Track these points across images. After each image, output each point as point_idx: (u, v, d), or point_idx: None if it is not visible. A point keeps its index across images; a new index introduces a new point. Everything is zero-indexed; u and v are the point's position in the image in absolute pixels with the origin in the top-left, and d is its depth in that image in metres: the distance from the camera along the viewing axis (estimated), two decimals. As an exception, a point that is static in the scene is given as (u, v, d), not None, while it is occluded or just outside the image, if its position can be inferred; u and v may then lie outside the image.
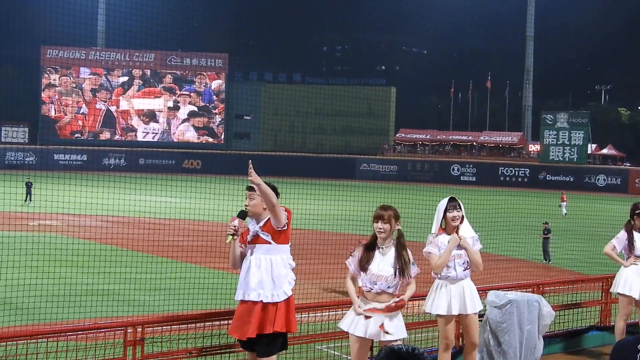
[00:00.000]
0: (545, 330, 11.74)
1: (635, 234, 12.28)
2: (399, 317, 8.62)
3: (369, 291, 8.48)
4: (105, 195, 40.25)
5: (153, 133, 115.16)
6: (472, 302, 9.88)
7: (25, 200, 52.92)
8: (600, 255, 14.06)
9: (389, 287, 8.43)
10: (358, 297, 8.51)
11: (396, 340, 8.42)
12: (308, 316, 10.73)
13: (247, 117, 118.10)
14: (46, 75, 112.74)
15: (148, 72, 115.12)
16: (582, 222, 50.04)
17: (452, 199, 9.91)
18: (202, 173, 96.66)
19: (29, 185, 53.95)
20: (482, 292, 11.99)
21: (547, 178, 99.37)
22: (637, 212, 12.37)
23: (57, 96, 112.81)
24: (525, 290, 12.57)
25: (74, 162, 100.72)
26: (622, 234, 12.34)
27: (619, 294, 12.33)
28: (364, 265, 8.44)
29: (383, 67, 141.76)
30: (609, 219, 53.67)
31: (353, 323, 8.46)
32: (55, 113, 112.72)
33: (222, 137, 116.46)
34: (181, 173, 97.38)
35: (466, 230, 9.94)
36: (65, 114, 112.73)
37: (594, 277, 14.53)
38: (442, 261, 9.72)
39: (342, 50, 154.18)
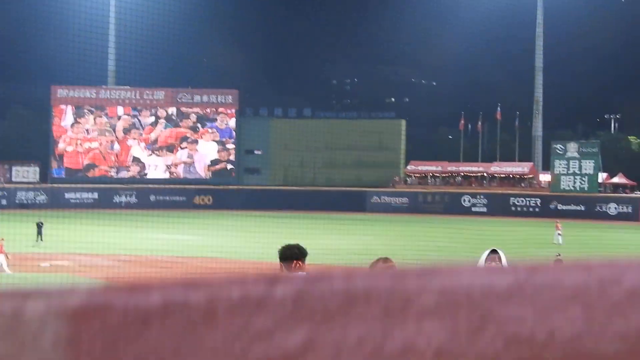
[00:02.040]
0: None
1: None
2: None
3: None
4: (116, 234, 40.34)
5: (173, 170, 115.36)
6: None
7: (37, 241, 52.98)
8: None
9: None
10: None
11: None
12: None
13: (258, 152, 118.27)
14: (83, 118, 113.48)
15: (174, 110, 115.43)
16: (592, 251, 49.91)
17: (493, 251, 9.87)
18: (214, 209, 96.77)
19: (39, 225, 54.04)
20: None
21: (559, 207, 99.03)
22: None
23: (82, 135, 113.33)
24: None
25: (85, 201, 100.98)
26: None
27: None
28: None
29: (392, 99, 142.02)
30: (620, 247, 53.63)
31: None
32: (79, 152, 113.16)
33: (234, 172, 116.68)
34: (192, 209, 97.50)
35: None
36: (94, 152, 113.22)
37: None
38: None
39: (352, 83, 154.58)
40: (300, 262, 8.35)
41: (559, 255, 34.16)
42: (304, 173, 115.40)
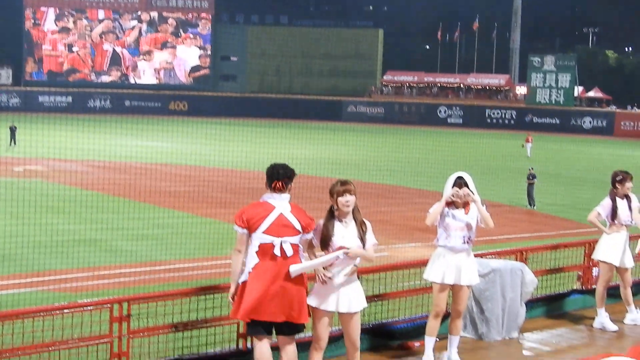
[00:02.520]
0: (528, 297, 11.83)
1: (619, 201, 12.24)
2: (359, 287, 8.59)
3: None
4: (90, 139, 40.03)
5: (155, 75, 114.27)
6: (468, 275, 9.89)
7: (10, 145, 52.58)
8: (585, 200, 14.07)
9: (357, 258, 8.49)
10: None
11: (356, 312, 8.45)
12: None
13: (234, 59, 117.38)
14: (63, 20, 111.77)
15: (155, 15, 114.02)
16: (567, 166, 50.23)
17: (459, 178, 9.89)
18: (189, 115, 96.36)
19: (12, 130, 53.55)
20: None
21: (534, 120, 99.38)
22: (617, 179, 12.30)
23: (58, 37, 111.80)
24: (508, 257, 12.58)
25: (59, 104, 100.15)
26: (607, 202, 12.29)
27: (600, 260, 12.35)
28: (328, 240, 8.34)
29: (370, 8, 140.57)
30: (594, 162, 53.97)
31: (323, 299, 8.41)
32: (52, 54, 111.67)
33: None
34: (167, 115, 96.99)
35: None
36: (71, 55, 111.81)
37: (577, 242, 14.55)
38: (433, 210, 9.77)
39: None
40: (280, 183, 8.23)
41: (532, 169, 34.34)
42: (280, 81, 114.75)
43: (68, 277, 17.49)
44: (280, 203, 8.19)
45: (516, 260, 12.35)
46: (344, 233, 8.35)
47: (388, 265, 11.68)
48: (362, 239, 8.42)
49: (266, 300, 8.00)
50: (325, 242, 8.33)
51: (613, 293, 13.01)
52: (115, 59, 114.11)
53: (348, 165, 42.76)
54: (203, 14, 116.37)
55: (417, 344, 10.62)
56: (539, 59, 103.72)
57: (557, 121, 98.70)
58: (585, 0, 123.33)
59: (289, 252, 8.07)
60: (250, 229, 8.09)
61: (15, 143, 52.00)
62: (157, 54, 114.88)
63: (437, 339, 10.17)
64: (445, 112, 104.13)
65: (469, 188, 9.85)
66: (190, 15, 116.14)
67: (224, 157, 37.15)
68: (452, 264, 9.83)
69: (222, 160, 37.52)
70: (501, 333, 11.24)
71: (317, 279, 8.38)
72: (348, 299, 8.40)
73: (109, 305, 8.76)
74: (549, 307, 12.93)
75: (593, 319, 12.37)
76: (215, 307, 9.50)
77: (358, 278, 8.63)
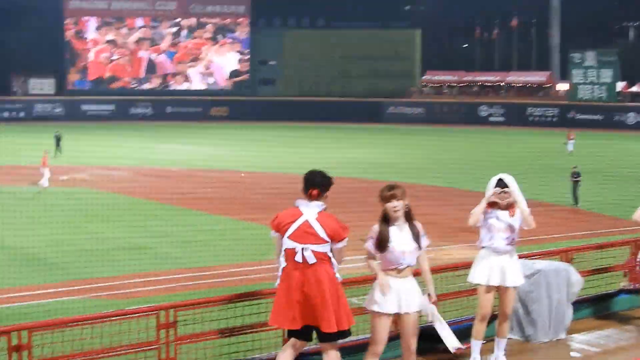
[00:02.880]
0: (575, 297, 11.69)
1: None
2: (417, 288, 8.69)
3: (395, 268, 8.52)
4: (133, 146, 40.39)
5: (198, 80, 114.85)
6: (512, 276, 9.88)
7: (55, 153, 53.14)
8: (631, 197, 13.99)
9: (413, 260, 8.57)
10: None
11: (414, 313, 8.59)
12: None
13: (272, 63, 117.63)
14: (103, 29, 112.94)
15: (193, 21, 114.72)
16: (611, 162, 49.76)
17: (500, 181, 9.91)
18: (230, 120, 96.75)
19: (58, 138, 54.15)
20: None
21: (576, 117, 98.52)
22: None
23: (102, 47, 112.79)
24: (553, 257, 12.50)
25: (102, 113, 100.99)
26: None
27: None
28: (385, 244, 8.43)
29: (407, 8, 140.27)
30: (636, 157, 53.42)
31: (385, 302, 8.49)
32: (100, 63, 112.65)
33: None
34: (209, 120, 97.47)
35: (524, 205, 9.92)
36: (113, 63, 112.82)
37: (622, 241, 14.40)
38: (475, 211, 9.77)
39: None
40: (316, 191, 8.28)
41: (576, 167, 34.12)
42: (319, 84, 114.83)
43: (115, 284, 17.69)
44: (309, 210, 8.20)
45: (561, 260, 12.27)
46: (400, 236, 8.46)
47: (432, 267, 11.67)
48: (418, 241, 8.55)
49: (287, 307, 8.11)
50: (382, 246, 8.43)
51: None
52: (154, 67, 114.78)
53: (390, 167, 42.75)
54: (240, 19, 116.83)
55: (463, 346, 10.62)
56: (580, 55, 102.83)
57: (600, 117, 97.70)
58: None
59: (311, 259, 8.07)
60: (280, 232, 8.20)
61: (60, 151, 52.56)
62: (196, 60, 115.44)
63: (484, 342, 10.17)
64: (486, 110, 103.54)
65: (509, 189, 9.85)
66: (227, 20, 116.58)
67: (266, 161, 37.32)
68: (496, 266, 9.83)
69: (265, 165, 37.70)
70: (548, 334, 11.17)
71: (378, 285, 8.51)
72: (406, 300, 8.52)
73: (155, 312, 8.88)
74: (597, 308, 12.81)
75: (642, 318, 12.20)
76: (261, 312, 9.60)
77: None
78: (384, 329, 8.52)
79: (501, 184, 9.85)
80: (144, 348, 8.82)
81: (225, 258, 20.74)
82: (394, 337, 10.22)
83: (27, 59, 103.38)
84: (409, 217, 8.58)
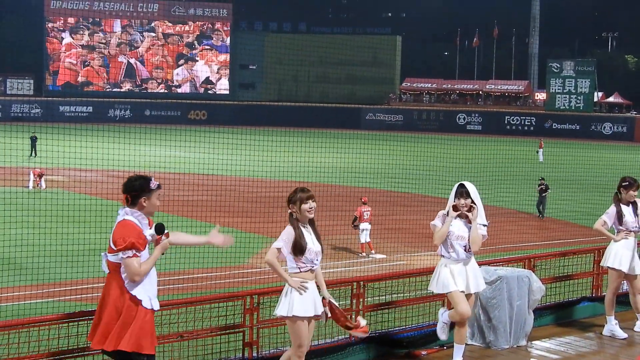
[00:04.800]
0: (536, 304, 11.85)
1: (624, 207, 12.23)
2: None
3: (309, 270, 8.63)
4: (110, 149, 40.20)
5: (171, 85, 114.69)
6: (475, 282, 10.01)
7: (30, 155, 53.01)
8: (599, 206, 14.16)
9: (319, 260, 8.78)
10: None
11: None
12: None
13: (252, 67, 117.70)
14: (80, 32, 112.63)
15: (173, 24, 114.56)
16: (583, 171, 50.03)
17: (461, 185, 9.99)
18: (208, 124, 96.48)
19: (33, 140, 54.04)
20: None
21: (554, 126, 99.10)
22: (623, 184, 12.29)
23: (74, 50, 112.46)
24: (516, 264, 12.65)
25: (80, 114, 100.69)
26: (612, 209, 12.28)
27: (609, 267, 12.32)
28: (303, 247, 8.55)
29: (389, 14, 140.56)
30: (612, 167, 53.72)
31: (308, 306, 8.55)
32: (73, 66, 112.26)
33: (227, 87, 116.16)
34: (187, 124, 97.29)
35: (479, 217, 9.98)
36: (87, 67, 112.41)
37: (585, 250, 14.57)
38: (440, 233, 9.84)
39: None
40: (124, 196, 7.87)
41: (543, 179, 34.29)
42: (298, 89, 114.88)
43: (86, 287, 17.69)
44: (118, 217, 7.80)
45: (524, 267, 12.42)
46: (311, 238, 8.59)
47: (394, 273, 11.80)
48: (320, 242, 8.68)
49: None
50: (301, 250, 8.49)
51: (623, 300, 13.01)
52: (131, 70, 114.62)
53: (366, 174, 42.85)
54: (221, 22, 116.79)
55: (424, 352, 10.74)
56: (558, 65, 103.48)
57: (577, 127, 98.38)
58: (604, 5, 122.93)
59: (105, 268, 7.71)
60: None
61: (35, 153, 52.42)
62: (175, 63, 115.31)
63: (445, 347, 10.30)
64: (464, 118, 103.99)
65: (471, 197, 9.95)
66: (209, 24, 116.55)
67: (243, 166, 37.30)
68: (457, 273, 9.91)
69: (242, 169, 37.69)
70: (509, 341, 11.31)
71: (292, 289, 8.53)
72: (319, 301, 8.66)
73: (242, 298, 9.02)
74: (558, 315, 12.96)
75: (603, 326, 12.34)
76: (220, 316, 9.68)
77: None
78: (306, 330, 8.59)
79: (463, 191, 9.94)
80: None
81: (200, 262, 20.77)
82: (374, 339, 10.34)
83: (5, 58, 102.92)
84: (312, 220, 8.71)
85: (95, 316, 7.70)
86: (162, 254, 7.78)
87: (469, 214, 9.86)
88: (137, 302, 7.56)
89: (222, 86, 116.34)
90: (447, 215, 9.91)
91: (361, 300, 10.66)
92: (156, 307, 7.75)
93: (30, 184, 39.33)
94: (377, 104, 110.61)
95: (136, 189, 7.82)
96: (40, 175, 40.17)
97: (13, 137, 56.18)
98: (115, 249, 7.53)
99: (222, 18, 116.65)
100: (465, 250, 9.92)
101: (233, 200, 31.53)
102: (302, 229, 8.57)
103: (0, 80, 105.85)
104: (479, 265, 10.48)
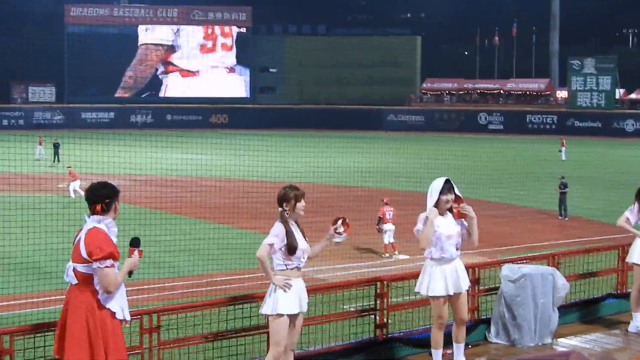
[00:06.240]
0: (560, 302, 11.75)
1: (647, 203, 12.13)
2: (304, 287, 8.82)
3: (296, 267, 8.62)
4: (132, 154, 40.35)
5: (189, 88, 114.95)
6: (465, 280, 9.93)
7: (54, 161, 53.31)
8: (622, 204, 14.07)
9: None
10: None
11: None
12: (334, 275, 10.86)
13: (272, 70, 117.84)
14: (103, 36, 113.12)
15: (193, 28, 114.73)
16: (606, 169, 49.82)
17: (447, 181, 9.86)
18: (229, 127, 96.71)
19: (56, 146, 54.33)
20: (497, 265, 12.05)
21: (575, 124, 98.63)
22: None
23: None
24: (539, 262, 12.57)
25: (102, 120, 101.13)
26: (635, 206, 12.19)
27: (634, 263, 12.22)
28: (294, 244, 8.55)
29: (408, 15, 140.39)
30: (635, 165, 53.44)
31: (292, 303, 8.55)
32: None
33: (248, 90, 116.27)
34: (208, 128, 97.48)
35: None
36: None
37: (610, 246, 14.47)
38: (423, 235, 9.64)
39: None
40: (98, 206, 7.63)
41: (563, 177, 34.13)
42: (318, 91, 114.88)
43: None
44: (86, 226, 7.61)
45: (548, 265, 12.35)
46: (299, 236, 8.63)
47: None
48: (306, 240, 8.75)
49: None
50: (293, 249, 8.50)
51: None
52: (155, 74, 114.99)
53: (388, 174, 42.84)
54: (241, 26, 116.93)
55: (449, 351, 10.67)
56: (579, 62, 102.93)
57: (599, 125, 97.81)
58: (624, 1, 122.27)
59: (73, 279, 7.46)
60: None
61: (58, 160, 52.70)
62: (196, 66, 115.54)
63: (470, 346, 10.27)
64: (485, 118, 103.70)
65: (455, 193, 9.87)
66: (228, 28, 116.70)
67: (265, 169, 37.37)
68: (449, 275, 9.78)
69: (264, 172, 37.76)
70: (534, 339, 11.25)
71: (277, 288, 8.54)
72: (305, 299, 8.72)
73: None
74: (583, 312, 12.88)
75: (628, 323, 12.24)
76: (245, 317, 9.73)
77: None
78: (285, 329, 8.58)
79: (449, 186, 9.83)
80: (128, 352, 8.90)
81: (219, 266, 20.83)
82: (398, 339, 10.33)
83: (27, 66, 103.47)
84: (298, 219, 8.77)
85: (59, 328, 7.50)
86: (131, 271, 7.64)
87: (461, 207, 9.77)
88: (112, 314, 7.44)
89: (243, 90, 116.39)
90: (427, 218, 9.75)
91: (385, 299, 10.66)
92: (128, 317, 7.66)
93: (71, 192, 39.05)
94: (398, 104, 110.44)
95: (109, 195, 7.66)
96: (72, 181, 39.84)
97: (36, 144, 56.63)
98: (89, 259, 7.31)
99: (242, 22, 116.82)
100: (456, 249, 9.83)
101: (256, 203, 31.57)
102: (291, 227, 8.58)
103: (22, 88, 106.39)
104: (503, 263, 10.45)
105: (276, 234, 8.52)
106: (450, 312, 10.02)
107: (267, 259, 8.54)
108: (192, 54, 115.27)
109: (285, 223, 8.58)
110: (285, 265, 8.59)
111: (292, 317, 8.60)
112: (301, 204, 8.58)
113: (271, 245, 8.52)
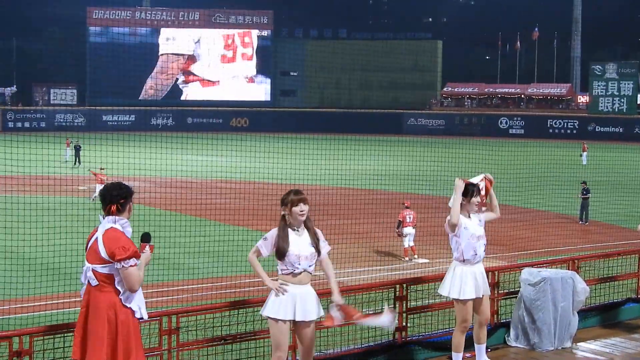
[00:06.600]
0: (580, 306, 11.72)
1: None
2: (316, 296, 8.67)
3: (291, 273, 8.52)
4: (153, 157, 40.53)
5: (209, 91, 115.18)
6: (487, 282, 10.03)
7: (75, 164, 53.57)
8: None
9: (310, 265, 8.54)
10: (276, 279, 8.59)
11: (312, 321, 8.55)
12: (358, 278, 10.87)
13: (294, 74, 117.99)
14: (123, 39, 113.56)
15: (215, 32, 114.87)
16: (627, 175, 49.58)
17: (472, 185, 9.99)
18: (250, 131, 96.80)
19: (77, 149, 54.59)
20: (517, 269, 12.04)
21: (597, 129, 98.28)
22: None
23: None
24: (559, 266, 12.55)
25: (122, 123, 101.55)
26: None
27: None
28: (284, 250, 8.47)
29: (430, 19, 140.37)
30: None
31: (280, 308, 8.44)
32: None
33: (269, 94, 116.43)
34: (229, 131, 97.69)
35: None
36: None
37: (630, 251, 14.42)
38: (454, 210, 9.81)
39: (388, 2, 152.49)
40: (114, 206, 7.67)
41: (585, 183, 34.01)
42: (339, 95, 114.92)
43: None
44: (102, 227, 7.61)
45: (568, 269, 12.33)
46: (299, 242, 8.48)
47: (438, 275, 11.72)
48: (316, 247, 8.56)
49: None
50: (282, 253, 8.44)
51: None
52: (175, 84, 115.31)
53: (409, 178, 42.75)
54: (262, 30, 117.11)
55: (468, 354, 10.67)
56: (601, 67, 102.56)
57: (621, 130, 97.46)
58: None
59: (93, 280, 7.50)
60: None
61: (79, 162, 52.94)
62: (217, 70, 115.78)
63: (490, 349, 10.26)
64: (506, 122, 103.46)
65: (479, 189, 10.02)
66: (249, 31, 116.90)
67: (285, 172, 37.40)
68: (479, 277, 9.84)
69: (284, 176, 37.78)
70: (553, 343, 11.24)
71: (273, 290, 8.50)
72: (302, 307, 8.47)
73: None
74: (603, 316, 12.85)
75: (649, 328, 12.18)
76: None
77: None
78: (282, 334, 8.46)
79: (475, 189, 9.94)
80: (147, 354, 8.94)
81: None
82: (417, 342, 10.34)
83: (49, 69, 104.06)
84: (307, 223, 8.62)
85: (78, 330, 7.55)
86: (146, 264, 7.69)
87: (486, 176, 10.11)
88: (132, 313, 7.53)
89: (263, 94, 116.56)
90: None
91: (404, 302, 10.70)
92: (145, 316, 7.71)
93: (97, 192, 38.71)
94: (418, 109, 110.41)
95: (124, 196, 7.71)
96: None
97: (57, 146, 56.87)
98: (111, 259, 7.37)
99: (263, 25, 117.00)
100: (484, 250, 9.93)
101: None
102: (292, 232, 8.52)
103: (44, 90, 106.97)
104: (523, 267, 10.46)
105: (266, 237, 8.54)
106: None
107: (255, 260, 8.57)
108: (213, 63, 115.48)
109: (282, 226, 8.55)
110: (280, 269, 8.56)
111: (300, 325, 8.47)
112: (298, 209, 8.48)
113: (259, 248, 8.54)
